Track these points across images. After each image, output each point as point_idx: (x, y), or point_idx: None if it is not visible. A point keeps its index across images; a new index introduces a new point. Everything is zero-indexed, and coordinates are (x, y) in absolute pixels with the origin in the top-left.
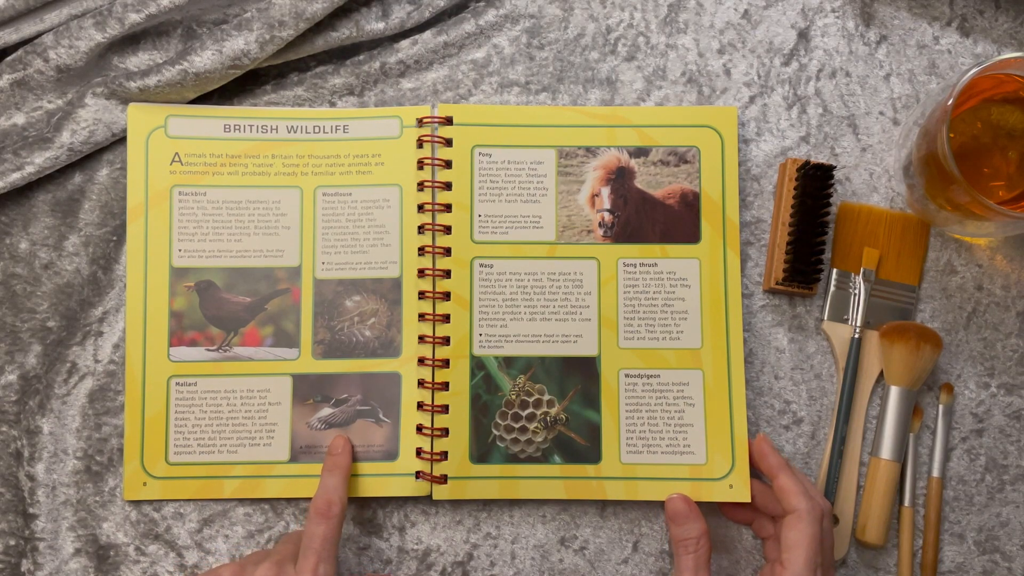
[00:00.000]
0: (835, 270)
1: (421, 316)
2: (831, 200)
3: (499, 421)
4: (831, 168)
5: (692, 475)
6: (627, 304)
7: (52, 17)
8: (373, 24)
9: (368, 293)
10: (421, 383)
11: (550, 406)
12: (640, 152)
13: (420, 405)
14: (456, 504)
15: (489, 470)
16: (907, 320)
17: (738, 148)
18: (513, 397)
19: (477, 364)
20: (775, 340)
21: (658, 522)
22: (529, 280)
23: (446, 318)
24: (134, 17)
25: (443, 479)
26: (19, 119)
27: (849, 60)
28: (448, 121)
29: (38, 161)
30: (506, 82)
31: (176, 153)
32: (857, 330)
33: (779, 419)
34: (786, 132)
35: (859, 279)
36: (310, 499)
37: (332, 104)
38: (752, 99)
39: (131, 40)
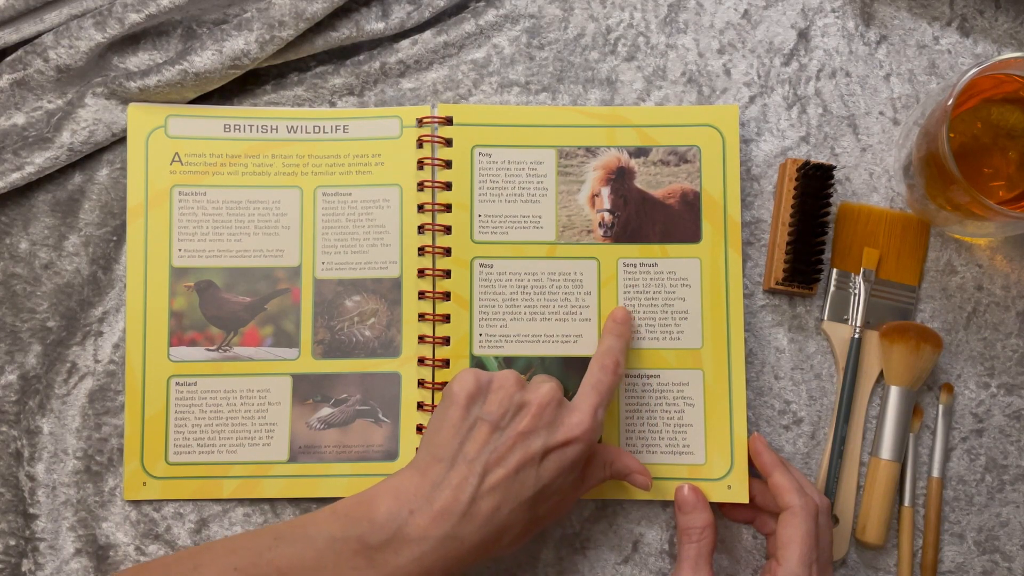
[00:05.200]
0: (835, 270)
1: (421, 316)
2: (831, 200)
3: None
4: (831, 168)
5: (691, 475)
6: (627, 304)
7: (52, 17)
8: (373, 24)
9: (368, 293)
10: (421, 383)
11: None
12: (640, 152)
13: (420, 405)
14: None
15: None
16: (907, 320)
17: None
18: None
19: (477, 364)
20: (775, 340)
21: (658, 522)
22: (529, 280)
23: (446, 318)
24: (134, 17)
25: None
26: (19, 119)
27: (849, 60)
28: (448, 121)
29: (38, 161)
30: (506, 82)
31: (176, 153)
32: (857, 330)
33: (779, 419)
34: (786, 132)
35: (859, 279)
36: (310, 500)
37: (332, 104)
38: (752, 99)
39: (131, 40)
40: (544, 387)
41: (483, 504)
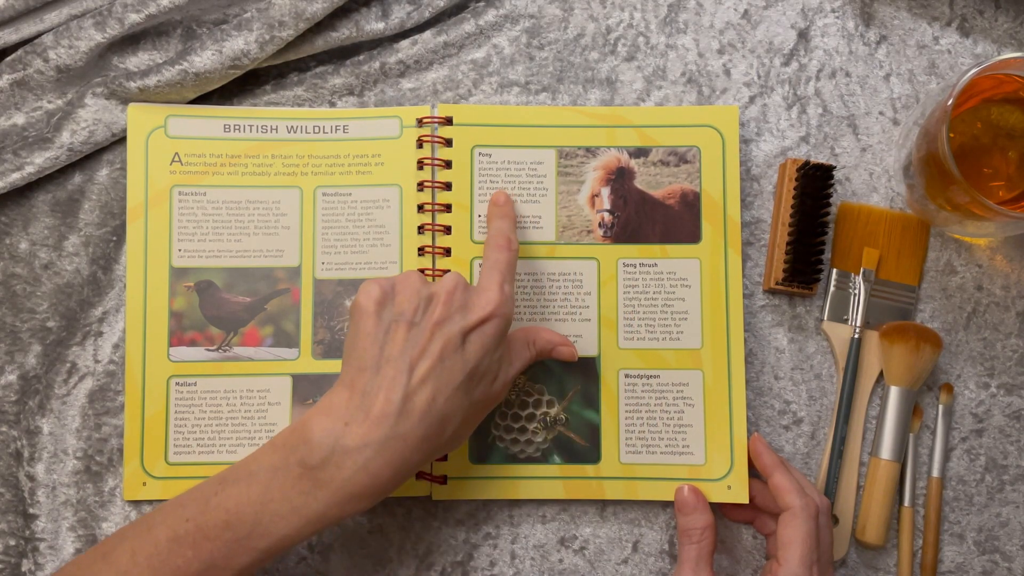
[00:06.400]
0: (835, 270)
1: None
2: (831, 200)
3: (499, 421)
4: (831, 168)
5: (691, 475)
6: (627, 304)
7: (52, 17)
8: (373, 24)
9: None
10: None
11: (550, 406)
12: (640, 152)
13: None
14: (456, 504)
15: (489, 470)
16: (907, 320)
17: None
18: (513, 397)
19: None
20: (775, 340)
21: (658, 522)
22: (529, 280)
23: None
24: (134, 17)
25: (443, 479)
26: (19, 119)
27: (849, 60)
28: (448, 121)
29: (38, 161)
30: (506, 82)
31: (176, 153)
32: (857, 330)
33: (779, 419)
34: (786, 132)
35: (859, 279)
36: None
37: (332, 104)
38: (752, 99)
39: (131, 40)
40: (447, 277)
41: (417, 398)
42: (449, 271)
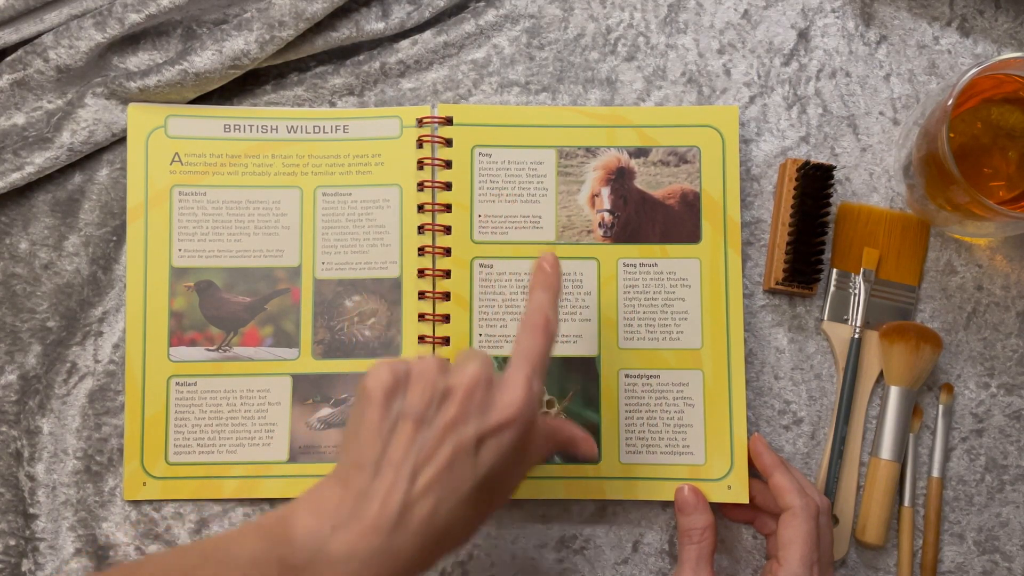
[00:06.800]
0: (835, 270)
1: (421, 316)
2: (831, 200)
3: None
4: (831, 168)
5: (691, 475)
6: (627, 304)
7: (52, 17)
8: (373, 24)
9: (368, 293)
10: None
11: (550, 406)
12: (640, 152)
13: None
14: None
15: None
16: (907, 320)
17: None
18: None
19: None
20: (775, 340)
21: (658, 522)
22: (529, 280)
23: (446, 318)
24: (134, 17)
25: None
26: (19, 119)
27: (849, 60)
28: (448, 121)
29: (38, 161)
30: (506, 82)
31: (176, 153)
32: (857, 330)
33: (779, 419)
34: (786, 132)
35: (859, 279)
36: None
37: (332, 104)
38: (752, 99)
39: (131, 40)
40: (470, 366)
41: (417, 510)
42: (472, 359)
